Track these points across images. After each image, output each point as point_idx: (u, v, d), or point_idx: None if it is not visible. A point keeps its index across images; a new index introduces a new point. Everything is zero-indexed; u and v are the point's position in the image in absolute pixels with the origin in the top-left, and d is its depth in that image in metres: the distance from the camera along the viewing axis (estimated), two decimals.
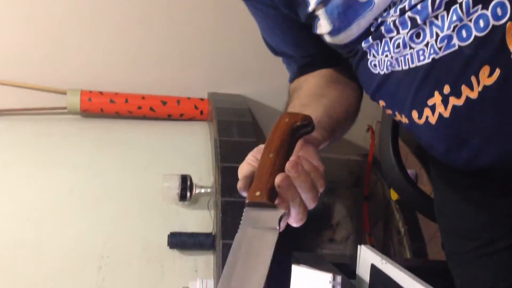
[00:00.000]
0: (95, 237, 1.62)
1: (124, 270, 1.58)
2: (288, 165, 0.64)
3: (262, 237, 0.62)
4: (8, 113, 1.96)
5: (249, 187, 0.65)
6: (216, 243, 1.51)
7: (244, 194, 0.65)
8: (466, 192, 0.89)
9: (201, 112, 2.00)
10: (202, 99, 2.02)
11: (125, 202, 1.70)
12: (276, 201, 0.64)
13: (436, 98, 0.72)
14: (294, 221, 0.65)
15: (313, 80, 0.87)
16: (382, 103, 0.82)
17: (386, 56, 0.76)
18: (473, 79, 0.68)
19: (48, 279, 1.56)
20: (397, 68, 0.75)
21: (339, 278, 0.87)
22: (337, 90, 0.86)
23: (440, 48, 0.69)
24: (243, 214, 0.64)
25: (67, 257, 1.59)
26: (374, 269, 0.94)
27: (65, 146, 1.83)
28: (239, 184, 0.65)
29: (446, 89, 0.71)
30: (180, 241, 1.58)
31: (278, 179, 0.63)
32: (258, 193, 0.64)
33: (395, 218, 1.87)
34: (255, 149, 0.70)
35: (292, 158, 0.67)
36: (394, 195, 1.88)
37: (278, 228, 0.62)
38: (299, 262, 1.01)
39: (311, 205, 0.65)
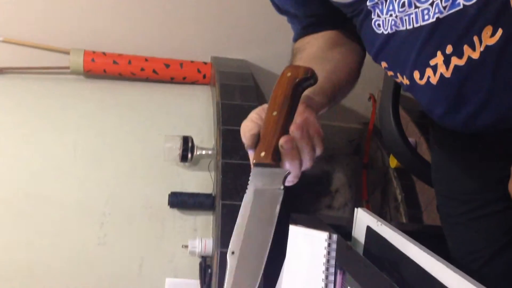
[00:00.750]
0: (98, 195, 1.64)
1: (125, 227, 1.61)
2: (293, 127, 0.65)
3: (268, 197, 0.64)
4: (11, 71, 1.96)
5: (256, 146, 0.67)
6: (216, 203, 1.53)
7: (251, 152, 0.67)
8: (462, 156, 0.91)
9: (204, 76, 2.00)
10: (205, 63, 2.01)
11: (127, 162, 1.71)
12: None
13: (438, 58, 0.73)
14: (289, 181, 0.67)
15: (316, 43, 0.88)
16: (384, 64, 0.82)
17: (391, 15, 0.76)
18: (475, 39, 0.69)
19: (52, 233, 1.60)
20: (401, 28, 0.76)
21: (334, 237, 0.89)
22: (340, 54, 0.86)
23: (445, 7, 0.70)
24: (251, 174, 0.66)
25: (70, 213, 1.62)
26: (369, 231, 0.96)
27: (68, 106, 1.84)
28: (247, 143, 0.67)
29: (449, 49, 0.72)
30: (181, 201, 1.61)
31: (282, 140, 0.64)
32: (263, 154, 0.65)
33: (393, 185, 1.89)
34: (259, 108, 0.71)
35: (296, 119, 0.68)
36: (393, 163, 1.89)
37: (283, 187, 0.64)
38: (296, 222, 1.03)
39: (307, 166, 0.67)
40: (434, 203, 1.71)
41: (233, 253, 0.62)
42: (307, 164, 0.67)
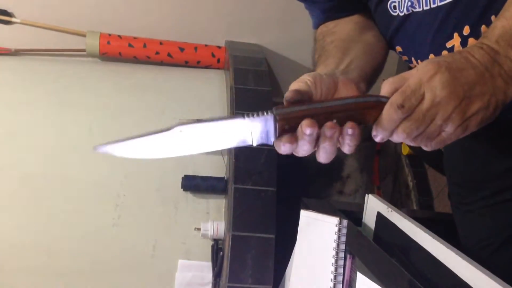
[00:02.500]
0: (113, 177, 1.65)
1: (139, 209, 1.62)
2: (329, 130, 0.60)
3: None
4: (28, 53, 1.98)
5: (292, 103, 0.62)
6: (228, 187, 1.54)
7: (286, 100, 0.63)
8: (474, 144, 0.90)
9: (218, 60, 2.00)
10: (219, 47, 2.02)
11: None
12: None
13: (455, 40, 0.72)
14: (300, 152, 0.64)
15: (346, 26, 0.85)
16: (398, 48, 0.81)
17: None
18: (493, 19, 0.67)
19: (67, 214, 1.62)
20: (417, 9, 0.74)
21: (345, 222, 0.90)
22: (373, 37, 0.84)
23: None
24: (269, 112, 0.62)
25: (86, 194, 1.64)
26: (380, 217, 0.96)
27: (84, 88, 1.85)
28: (287, 94, 0.62)
29: (466, 30, 0.70)
30: (193, 184, 1.62)
31: (306, 122, 0.60)
32: (282, 111, 0.61)
33: (405, 172, 1.89)
34: (314, 73, 0.67)
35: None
36: (405, 150, 1.89)
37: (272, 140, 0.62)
38: (307, 207, 1.04)
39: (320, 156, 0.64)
40: (445, 191, 1.71)
41: None
42: (320, 156, 0.63)
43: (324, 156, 0.63)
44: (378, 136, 0.62)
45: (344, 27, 0.85)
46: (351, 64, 0.75)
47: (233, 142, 0.63)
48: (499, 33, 0.61)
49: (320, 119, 0.62)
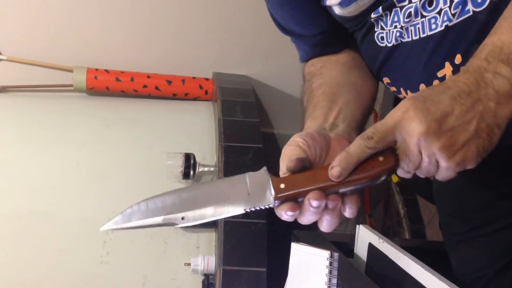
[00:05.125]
0: (100, 213, 1.63)
1: (128, 245, 1.60)
2: (332, 202, 0.61)
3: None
4: (15, 90, 1.98)
5: (295, 172, 0.62)
6: (218, 220, 1.53)
7: (282, 170, 0.63)
8: (464, 173, 0.89)
9: (206, 92, 2.01)
10: (207, 79, 2.02)
11: (130, 179, 1.71)
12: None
13: (447, 69, 0.70)
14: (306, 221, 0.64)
15: (334, 67, 0.84)
16: (386, 80, 0.80)
17: (395, 27, 0.73)
18: None
19: (54, 252, 1.59)
20: (406, 39, 0.73)
21: (336, 256, 0.89)
22: (360, 78, 0.83)
23: (454, 15, 0.67)
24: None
25: (73, 231, 1.61)
26: (371, 248, 0.95)
27: (71, 123, 1.84)
28: (291, 165, 0.62)
29: (458, 59, 0.69)
30: None
31: (313, 195, 0.60)
32: (283, 186, 0.62)
33: (395, 200, 1.88)
34: (305, 133, 0.67)
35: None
36: (395, 178, 1.89)
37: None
38: (298, 240, 1.03)
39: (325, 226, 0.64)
40: (436, 218, 1.70)
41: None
42: (322, 226, 0.63)
43: (327, 226, 0.63)
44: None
45: (332, 70, 0.84)
46: (340, 115, 0.75)
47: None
48: (489, 49, 0.59)
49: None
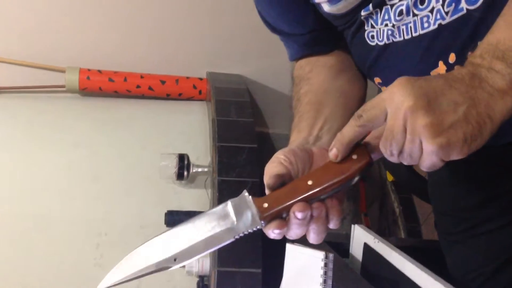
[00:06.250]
0: (93, 215, 1.63)
1: (122, 247, 1.59)
2: (316, 210, 0.61)
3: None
4: (7, 91, 1.96)
5: (277, 187, 0.63)
6: None
7: (267, 191, 0.64)
8: (460, 172, 0.89)
9: (200, 92, 2.00)
10: (201, 79, 2.01)
11: (123, 180, 1.70)
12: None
13: (440, 69, 0.69)
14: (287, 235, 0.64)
15: (321, 71, 0.83)
16: (377, 79, 0.79)
17: (386, 25, 0.72)
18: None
19: (47, 254, 1.58)
20: (398, 39, 0.72)
21: (331, 256, 0.88)
22: (347, 82, 0.82)
23: (447, 13, 0.66)
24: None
25: (66, 234, 1.61)
26: (367, 248, 0.94)
27: (64, 124, 1.83)
28: (269, 182, 0.63)
29: (452, 57, 0.68)
30: (177, 220, 1.60)
31: (297, 207, 0.60)
32: (266, 205, 0.62)
33: (391, 199, 1.88)
34: (287, 149, 0.67)
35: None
36: (390, 177, 1.89)
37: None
38: (293, 241, 1.02)
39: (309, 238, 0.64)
40: (432, 217, 1.70)
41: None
42: (311, 238, 0.63)
43: (315, 236, 0.63)
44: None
45: (319, 74, 0.83)
46: (325, 125, 0.75)
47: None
48: (484, 47, 0.57)
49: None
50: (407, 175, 1.32)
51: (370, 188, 2.04)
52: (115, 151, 1.77)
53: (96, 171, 1.72)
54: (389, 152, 0.57)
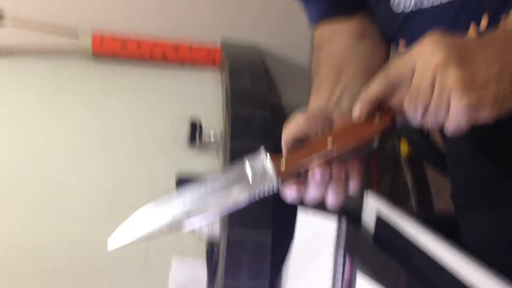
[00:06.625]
0: (103, 180, 1.63)
1: (131, 208, 1.59)
2: (335, 171, 0.59)
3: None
4: (18, 53, 1.95)
5: (291, 150, 0.62)
6: None
7: (284, 149, 0.63)
8: (481, 143, 0.86)
9: (213, 60, 1.98)
10: (214, 47, 1.99)
11: (135, 146, 1.70)
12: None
13: (471, 35, 0.67)
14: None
15: (342, 38, 0.81)
16: (402, 47, 0.77)
17: None
18: None
19: (57, 218, 1.59)
20: (426, 5, 0.70)
21: (344, 223, 0.87)
22: (369, 49, 0.80)
23: None
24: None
25: (76, 198, 1.61)
26: (380, 217, 0.93)
27: (75, 89, 1.82)
28: (287, 142, 0.62)
29: (483, 22, 0.66)
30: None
31: (317, 171, 0.59)
32: (283, 164, 0.61)
33: (403, 172, 1.86)
34: (306, 113, 0.66)
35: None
36: (403, 148, 1.87)
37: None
38: (306, 207, 1.01)
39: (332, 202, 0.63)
40: (444, 191, 1.68)
41: None
42: (329, 200, 0.62)
43: (334, 199, 0.62)
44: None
45: (340, 39, 0.81)
46: (345, 91, 0.73)
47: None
48: None
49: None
50: (424, 143, 1.30)
51: (382, 160, 2.03)
52: (127, 116, 1.76)
53: (107, 137, 1.72)
54: (413, 111, 0.56)
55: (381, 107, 0.60)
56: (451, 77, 0.52)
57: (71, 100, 1.79)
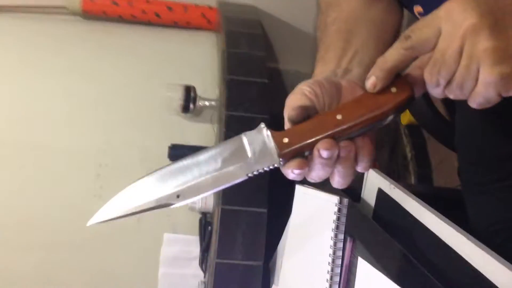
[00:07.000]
0: (94, 144, 1.59)
1: (122, 179, 1.54)
2: (344, 149, 0.54)
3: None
4: (5, 10, 1.87)
5: (297, 122, 0.56)
6: None
7: (288, 124, 0.57)
8: (492, 118, 0.82)
9: (209, 21, 1.91)
10: (210, 8, 1.91)
11: (126, 110, 1.65)
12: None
13: None
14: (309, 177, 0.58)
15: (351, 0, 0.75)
16: (418, 9, 0.70)
17: None
18: None
19: (45, 184, 1.55)
20: None
21: (345, 201, 0.83)
22: (382, 11, 0.74)
23: None
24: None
25: (64, 163, 1.57)
26: (381, 194, 0.89)
27: (65, 48, 1.75)
28: (292, 113, 0.56)
29: None
30: (181, 154, 1.54)
31: (323, 145, 0.53)
32: (286, 140, 0.55)
33: (403, 143, 1.83)
34: (311, 81, 0.60)
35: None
36: (404, 120, 1.83)
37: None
38: (303, 182, 0.97)
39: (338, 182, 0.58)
40: (445, 163, 1.65)
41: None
42: (335, 181, 0.57)
43: (341, 180, 0.57)
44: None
45: (350, 1, 0.75)
46: (355, 57, 0.67)
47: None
48: None
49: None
50: (431, 115, 1.25)
51: (381, 131, 1.99)
52: (118, 79, 1.70)
53: (98, 99, 1.67)
54: (435, 81, 0.49)
55: (399, 75, 0.54)
56: (483, 44, 0.46)
57: (60, 60, 1.72)
